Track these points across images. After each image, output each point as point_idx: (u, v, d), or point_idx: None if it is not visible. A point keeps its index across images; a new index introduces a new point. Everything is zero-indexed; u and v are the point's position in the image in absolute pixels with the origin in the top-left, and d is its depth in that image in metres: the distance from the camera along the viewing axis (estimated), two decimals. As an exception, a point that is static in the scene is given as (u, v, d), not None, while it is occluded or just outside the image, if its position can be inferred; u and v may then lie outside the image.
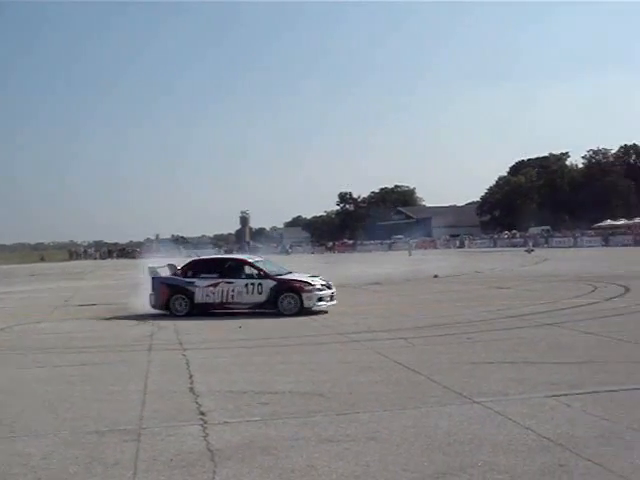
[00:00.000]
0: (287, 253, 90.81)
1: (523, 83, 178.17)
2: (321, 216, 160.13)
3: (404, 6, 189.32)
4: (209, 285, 20.20)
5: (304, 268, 27.25)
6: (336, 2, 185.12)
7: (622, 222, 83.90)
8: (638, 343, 12.74)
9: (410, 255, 70.45)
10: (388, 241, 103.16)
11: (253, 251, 78.39)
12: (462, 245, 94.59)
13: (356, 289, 28.00)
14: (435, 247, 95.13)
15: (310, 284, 19.84)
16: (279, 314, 19.34)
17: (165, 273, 21.19)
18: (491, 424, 7.65)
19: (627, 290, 22.82)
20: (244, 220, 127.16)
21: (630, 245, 67.78)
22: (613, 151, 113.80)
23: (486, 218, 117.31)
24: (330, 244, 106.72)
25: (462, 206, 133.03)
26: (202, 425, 8.04)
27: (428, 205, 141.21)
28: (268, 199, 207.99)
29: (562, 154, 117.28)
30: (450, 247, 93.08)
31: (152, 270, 20.93)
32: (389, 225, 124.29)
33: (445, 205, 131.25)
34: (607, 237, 75.37)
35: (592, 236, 79.41)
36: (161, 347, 14.62)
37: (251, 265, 20.73)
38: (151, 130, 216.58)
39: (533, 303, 19.87)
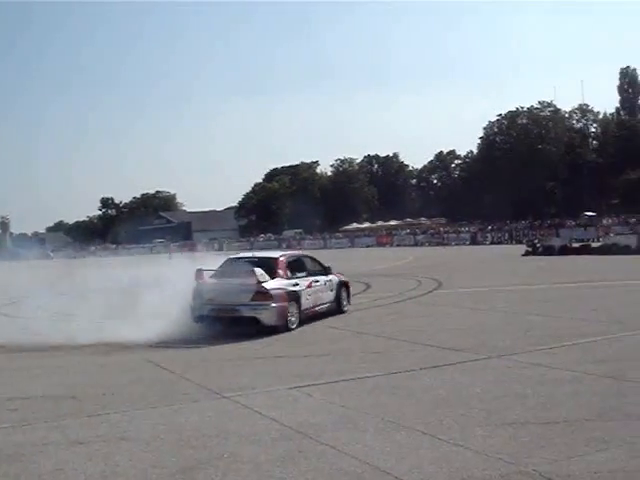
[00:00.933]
0: (49, 258, 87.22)
1: (273, 96, 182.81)
2: (84, 221, 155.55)
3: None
4: (307, 286, 15.87)
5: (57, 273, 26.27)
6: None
7: (366, 225, 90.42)
8: (377, 335, 13.71)
9: (170, 258, 70.22)
10: (150, 245, 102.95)
11: (14, 256, 74.05)
12: (221, 248, 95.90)
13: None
14: (195, 250, 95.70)
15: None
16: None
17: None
18: (238, 417, 8.02)
19: (368, 287, 24.35)
20: (4, 225, 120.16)
21: (373, 246, 73.55)
22: (358, 160, 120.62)
23: (244, 222, 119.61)
24: (93, 248, 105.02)
25: (221, 211, 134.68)
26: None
27: (189, 210, 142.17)
28: (29, 204, 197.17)
29: (312, 162, 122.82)
30: (209, 250, 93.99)
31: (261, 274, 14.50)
32: (151, 229, 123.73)
33: (205, 210, 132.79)
34: (353, 239, 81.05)
35: (340, 238, 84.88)
36: None
37: (313, 259, 17.85)
38: None
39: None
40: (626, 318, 14.03)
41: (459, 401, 8.26)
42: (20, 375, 11.33)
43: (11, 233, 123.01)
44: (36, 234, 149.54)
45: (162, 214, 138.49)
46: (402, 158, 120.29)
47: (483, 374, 9.71)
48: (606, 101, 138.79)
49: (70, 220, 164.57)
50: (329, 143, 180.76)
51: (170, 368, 11.22)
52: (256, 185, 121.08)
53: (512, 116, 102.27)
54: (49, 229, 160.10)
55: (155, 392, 9.58)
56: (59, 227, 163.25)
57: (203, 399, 9.02)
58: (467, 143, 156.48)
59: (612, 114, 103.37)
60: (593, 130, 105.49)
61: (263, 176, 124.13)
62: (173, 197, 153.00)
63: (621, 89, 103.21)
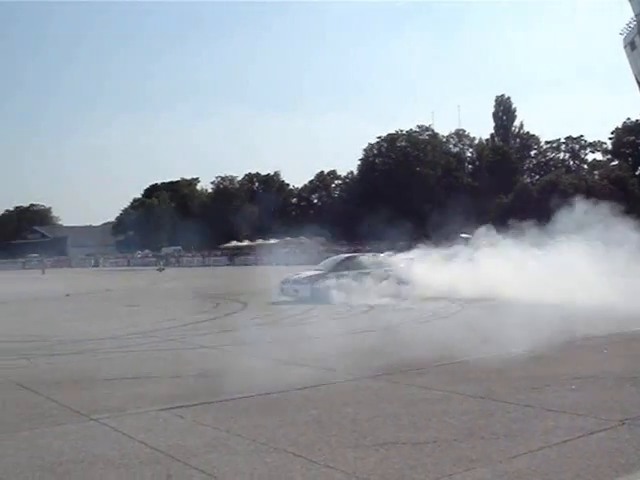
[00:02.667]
0: None
1: (152, 111, 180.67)
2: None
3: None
4: None
5: None
6: None
7: (246, 243, 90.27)
8: (253, 355, 13.65)
9: (44, 274, 68.47)
10: (22, 260, 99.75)
11: None
12: (97, 264, 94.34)
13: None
14: (70, 266, 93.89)
15: None
16: None
17: None
18: (106, 441, 7.73)
19: (245, 306, 24.28)
20: None
21: (252, 264, 72.11)
22: (239, 178, 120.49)
23: (121, 238, 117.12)
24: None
25: (98, 226, 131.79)
26: None
27: (65, 225, 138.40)
28: None
29: (193, 179, 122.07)
30: (85, 266, 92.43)
31: None
32: (24, 244, 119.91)
33: (82, 225, 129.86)
34: (232, 257, 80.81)
35: (219, 256, 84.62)
36: None
37: None
38: None
39: (159, 320, 20.28)
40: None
41: (331, 422, 8.27)
42: None
43: None
44: None
45: (37, 228, 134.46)
46: (283, 177, 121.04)
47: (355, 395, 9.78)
48: (481, 127, 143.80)
49: None
50: (209, 160, 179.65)
51: (36, 389, 10.75)
52: (135, 200, 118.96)
53: (392, 139, 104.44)
54: None
55: (18, 414, 9.15)
56: None
57: (69, 422, 8.66)
58: (348, 164, 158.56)
59: (487, 140, 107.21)
60: (469, 154, 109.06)
61: (142, 191, 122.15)
62: (48, 211, 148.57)
63: (496, 116, 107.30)
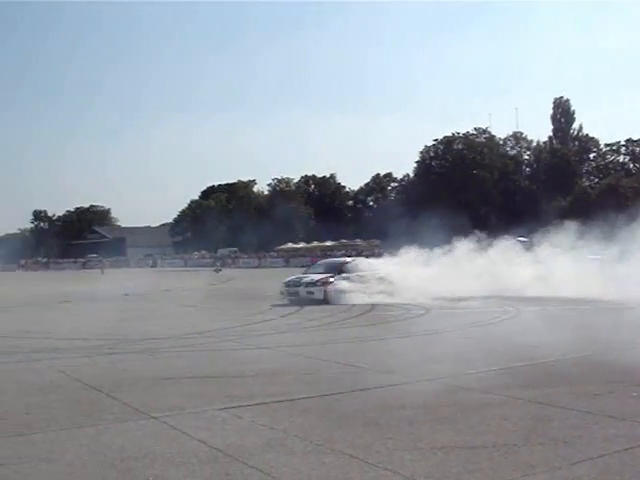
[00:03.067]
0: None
1: (205, 113, 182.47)
2: (14, 233, 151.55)
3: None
4: None
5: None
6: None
7: (302, 245, 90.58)
8: (307, 357, 13.71)
9: (103, 274, 69.65)
10: (82, 260, 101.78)
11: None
12: (155, 264, 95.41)
13: (44, 307, 27.05)
14: (129, 266, 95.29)
15: None
16: None
17: None
18: (165, 438, 7.85)
19: (301, 307, 24.42)
20: None
21: (308, 266, 72.40)
22: (295, 180, 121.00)
23: (179, 239, 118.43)
24: (23, 262, 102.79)
25: (156, 227, 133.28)
26: None
27: (123, 225, 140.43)
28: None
29: (250, 181, 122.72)
30: (143, 266, 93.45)
31: None
32: (84, 244, 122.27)
33: (140, 226, 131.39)
34: (288, 258, 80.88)
35: (275, 257, 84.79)
36: None
37: None
38: None
39: (217, 320, 20.53)
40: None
41: (389, 424, 8.26)
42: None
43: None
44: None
45: (96, 229, 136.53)
46: (339, 179, 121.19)
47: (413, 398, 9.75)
48: (539, 129, 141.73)
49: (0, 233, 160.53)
50: (267, 162, 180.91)
51: (98, 387, 10.97)
52: (192, 202, 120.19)
53: (448, 141, 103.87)
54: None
55: (80, 411, 9.34)
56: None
57: (130, 419, 8.82)
58: (405, 166, 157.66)
59: (545, 142, 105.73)
60: (526, 157, 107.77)
61: (199, 193, 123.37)
62: (108, 212, 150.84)
63: (554, 118, 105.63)
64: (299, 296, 26.56)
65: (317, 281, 26.80)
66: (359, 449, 7.24)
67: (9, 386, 11.28)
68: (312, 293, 26.46)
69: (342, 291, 26.03)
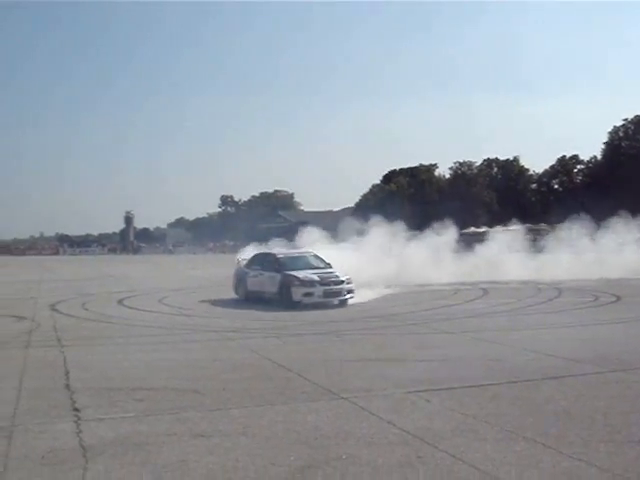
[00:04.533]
0: (170, 252, 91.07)
1: (390, 98, 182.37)
2: (203, 217, 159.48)
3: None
4: None
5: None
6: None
7: (484, 229, 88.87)
8: (494, 342, 13.53)
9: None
10: (269, 244, 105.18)
11: (137, 250, 76.98)
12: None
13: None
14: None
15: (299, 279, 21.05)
16: None
17: None
18: (356, 419, 8.02)
19: (485, 292, 24.08)
20: (128, 220, 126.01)
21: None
22: (477, 164, 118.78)
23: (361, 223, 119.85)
24: (211, 245, 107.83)
25: (338, 211, 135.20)
26: (76, 422, 8.04)
27: (306, 210, 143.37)
28: (152, 199, 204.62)
29: (431, 165, 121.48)
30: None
31: None
32: (268, 228, 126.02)
33: (322, 210, 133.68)
34: (471, 243, 79.69)
35: (457, 241, 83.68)
36: (39, 344, 14.31)
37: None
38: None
39: (401, 304, 20.63)
40: None
41: (582, 415, 8.02)
42: (144, 367, 11.74)
43: (135, 228, 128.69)
44: (158, 229, 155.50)
45: (280, 213, 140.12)
46: (522, 162, 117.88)
47: (607, 388, 9.41)
48: None
49: (191, 216, 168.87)
50: (448, 146, 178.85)
51: (288, 366, 11.37)
52: (374, 186, 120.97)
53: (639, 121, 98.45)
54: (170, 225, 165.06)
55: (273, 389, 9.71)
56: (180, 223, 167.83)
57: (321, 399, 9.09)
58: (590, 148, 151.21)
59: None
60: None
61: (381, 177, 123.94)
62: (291, 196, 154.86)
63: None
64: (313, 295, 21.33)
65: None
66: (552, 438, 7.08)
67: (207, 363, 11.91)
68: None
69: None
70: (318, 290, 20.82)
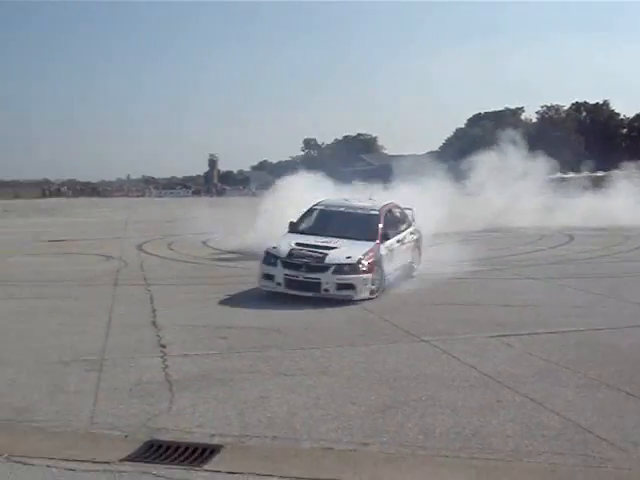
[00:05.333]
0: (254, 195, 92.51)
1: (487, 42, 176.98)
2: (286, 161, 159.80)
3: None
4: None
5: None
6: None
7: (571, 175, 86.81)
8: (578, 289, 13.30)
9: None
10: (350, 187, 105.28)
11: (220, 193, 77.86)
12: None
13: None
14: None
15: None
16: None
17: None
18: (436, 361, 8.06)
19: (571, 239, 23.58)
20: (212, 163, 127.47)
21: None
22: (565, 107, 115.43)
23: (444, 167, 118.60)
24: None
25: (421, 155, 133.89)
26: (162, 357, 8.31)
27: (390, 154, 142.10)
28: (235, 143, 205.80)
29: (517, 108, 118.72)
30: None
31: None
32: (352, 171, 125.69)
33: (405, 154, 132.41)
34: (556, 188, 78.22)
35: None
36: (126, 282, 14.73)
37: None
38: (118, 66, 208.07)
39: (486, 250, 20.29)
40: None
41: (669, 364, 7.86)
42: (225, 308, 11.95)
43: (219, 171, 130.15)
44: (241, 172, 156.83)
45: (363, 156, 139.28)
46: (613, 106, 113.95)
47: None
48: None
49: (274, 160, 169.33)
50: (535, 89, 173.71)
51: (369, 308, 11.43)
52: (458, 130, 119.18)
53: None
54: (253, 168, 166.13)
55: (354, 331, 9.82)
56: (263, 166, 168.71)
57: (401, 341, 9.14)
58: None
59: None
60: None
61: (466, 121, 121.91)
62: (374, 140, 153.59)
63: None
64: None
65: None
66: (635, 387, 6.97)
67: (283, 306, 11.81)
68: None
69: None
70: (279, 273, 12.61)
